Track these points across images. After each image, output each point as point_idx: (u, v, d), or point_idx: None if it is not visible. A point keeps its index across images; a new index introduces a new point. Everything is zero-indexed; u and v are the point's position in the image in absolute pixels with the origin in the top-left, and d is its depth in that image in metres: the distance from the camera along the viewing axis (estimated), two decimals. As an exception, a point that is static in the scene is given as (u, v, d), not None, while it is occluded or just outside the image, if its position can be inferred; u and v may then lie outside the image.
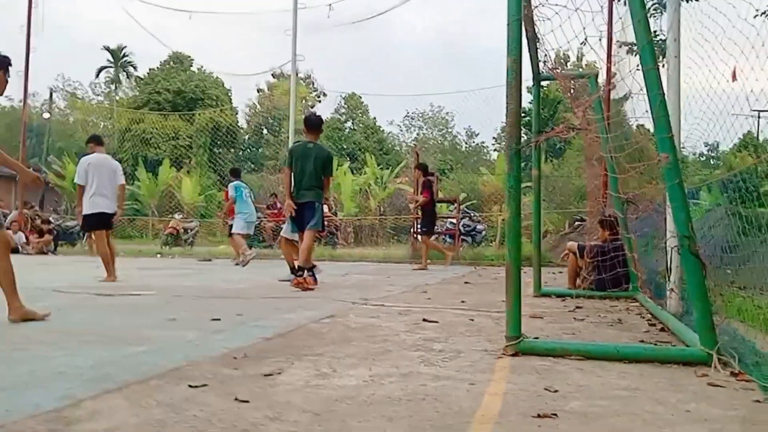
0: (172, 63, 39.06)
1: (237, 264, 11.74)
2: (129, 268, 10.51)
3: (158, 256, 15.92)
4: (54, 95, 37.26)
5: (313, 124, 7.38)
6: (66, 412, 2.07)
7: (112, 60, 45.79)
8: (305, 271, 6.87)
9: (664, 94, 3.04)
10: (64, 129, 37.06)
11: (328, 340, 3.58)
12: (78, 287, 6.53)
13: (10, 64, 4.33)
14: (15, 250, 14.28)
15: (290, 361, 2.95)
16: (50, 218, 17.85)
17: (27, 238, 15.84)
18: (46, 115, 33.86)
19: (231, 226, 12.82)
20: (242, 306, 5.12)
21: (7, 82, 4.33)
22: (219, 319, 4.29)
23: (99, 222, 7.80)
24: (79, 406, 2.15)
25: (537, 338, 3.48)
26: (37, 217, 17.28)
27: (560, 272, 9.70)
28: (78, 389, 2.36)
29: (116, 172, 8.01)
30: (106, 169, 7.81)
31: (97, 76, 46.21)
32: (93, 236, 7.98)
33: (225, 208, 13.29)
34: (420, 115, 45.23)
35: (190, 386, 2.43)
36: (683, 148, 5.42)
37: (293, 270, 7.22)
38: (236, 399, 2.25)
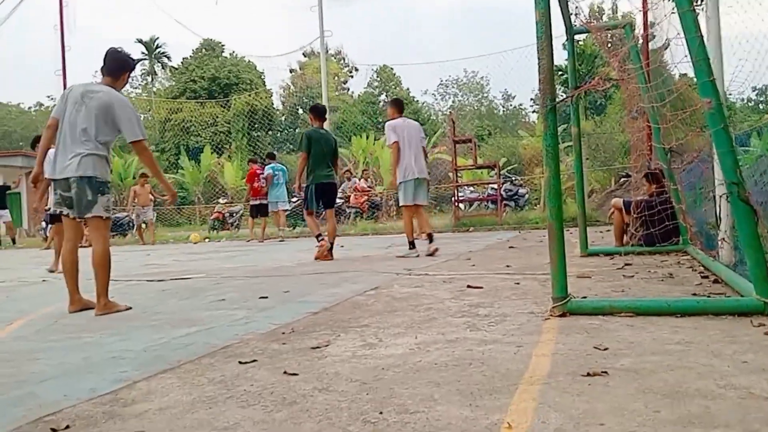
0: (204, 51, 39.41)
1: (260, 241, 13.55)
2: (178, 254, 10.78)
3: (206, 240, 16.24)
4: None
5: (321, 112, 8.04)
6: (122, 394, 2.14)
7: (146, 52, 46.45)
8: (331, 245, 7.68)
9: (702, 36, 2.91)
10: (106, 124, 37.89)
11: (373, 311, 3.60)
12: (129, 275, 6.72)
13: (134, 67, 4.49)
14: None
15: (337, 334, 2.98)
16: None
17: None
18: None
19: (253, 207, 13.98)
20: (289, 283, 5.20)
21: (127, 82, 4.47)
22: (266, 297, 4.36)
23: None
24: (134, 387, 2.22)
25: (585, 297, 3.43)
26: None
27: (608, 231, 9.52)
28: (132, 372, 2.43)
29: None
30: None
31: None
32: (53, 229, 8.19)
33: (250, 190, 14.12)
34: (454, 81, 44.68)
35: (241, 363, 2.48)
36: (729, 94, 5.20)
37: (411, 243, 7.35)
38: (285, 372, 2.29)
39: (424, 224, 7.75)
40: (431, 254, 7.17)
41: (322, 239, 7.64)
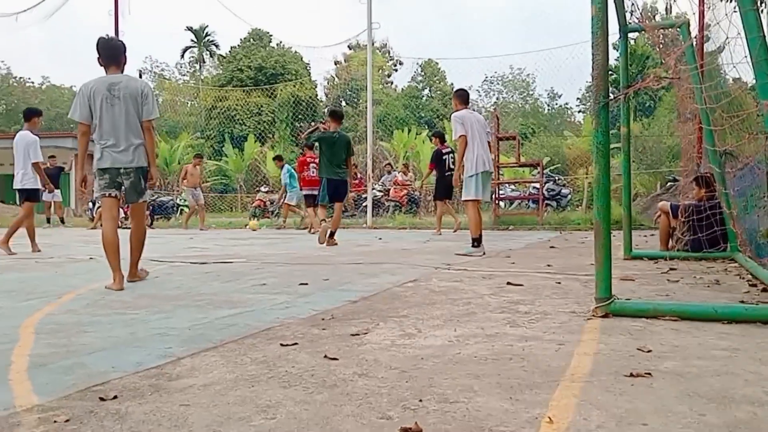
0: (252, 40, 39.85)
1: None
2: (220, 239, 10.97)
3: (247, 227, 16.47)
4: (143, 77, 38.80)
5: (341, 115, 9.10)
6: (167, 369, 2.19)
7: (195, 40, 47.23)
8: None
9: (764, 36, 2.82)
10: (154, 109, 38.52)
11: (412, 302, 3.61)
12: (173, 257, 6.87)
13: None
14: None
15: (376, 322, 3.00)
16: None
17: (126, 213, 16.72)
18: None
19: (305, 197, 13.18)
20: (328, 271, 5.24)
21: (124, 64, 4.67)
22: (306, 284, 4.41)
23: (24, 196, 8.12)
24: (179, 363, 2.27)
25: (628, 299, 3.37)
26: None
27: (652, 235, 9.34)
28: (176, 348, 2.49)
29: (28, 149, 7.91)
30: (20, 147, 7.90)
31: (182, 56, 47.88)
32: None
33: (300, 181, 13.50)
34: (499, 78, 44.27)
35: (282, 345, 2.52)
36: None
37: (476, 240, 6.85)
38: (326, 357, 2.31)
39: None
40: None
41: (315, 232, 8.87)
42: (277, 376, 2.08)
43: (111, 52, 4.54)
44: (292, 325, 2.96)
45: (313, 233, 11.71)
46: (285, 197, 15.32)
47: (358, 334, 2.72)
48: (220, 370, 2.17)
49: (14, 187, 8.06)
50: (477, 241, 6.83)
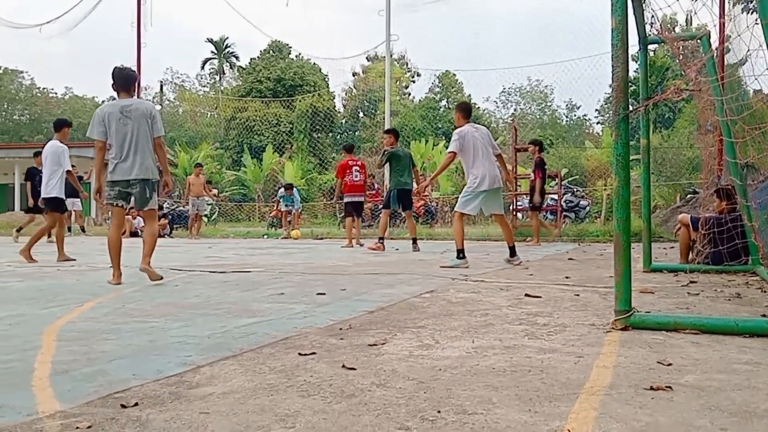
0: (271, 52, 40.19)
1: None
2: (238, 248, 11.03)
3: (264, 237, 16.57)
4: (164, 88, 39.34)
5: (398, 133, 11.08)
6: (186, 377, 2.21)
7: (215, 51, 47.75)
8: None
9: (788, 48, 2.80)
10: (174, 120, 39.05)
11: (429, 313, 3.61)
12: (192, 266, 6.93)
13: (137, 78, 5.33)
14: (134, 234, 15.31)
15: (393, 333, 3.00)
16: (165, 204, 19.01)
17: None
18: (158, 107, 35.78)
19: (348, 204, 11.55)
20: (345, 281, 5.26)
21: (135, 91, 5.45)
22: (324, 294, 4.43)
23: (48, 206, 8.09)
24: (198, 371, 2.29)
25: (648, 312, 3.34)
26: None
27: (671, 247, 9.25)
28: (196, 356, 2.51)
29: (57, 157, 7.93)
30: (47, 156, 7.96)
31: (203, 67, 48.42)
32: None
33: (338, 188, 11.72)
34: (517, 89, 44.14)
35: (300, 354, 2.53)
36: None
37: (461, 252, 6.64)
38: (343, 366, 2.32)
39: (508, 235, 7.16)
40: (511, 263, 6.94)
41: (382, 242, 9.79)
42: (296, 385, 2.09)
43: (124, 81, 5.24)
44: (310, 334, 2.97)
45: (354, 246, 10.95)
46: (293, 215, 17.12)
47: (376, 345, 2.72)
48: (239, 378, 2.19)
49: (45, 196, 8.09)
50: (461, 252, 6.61)
